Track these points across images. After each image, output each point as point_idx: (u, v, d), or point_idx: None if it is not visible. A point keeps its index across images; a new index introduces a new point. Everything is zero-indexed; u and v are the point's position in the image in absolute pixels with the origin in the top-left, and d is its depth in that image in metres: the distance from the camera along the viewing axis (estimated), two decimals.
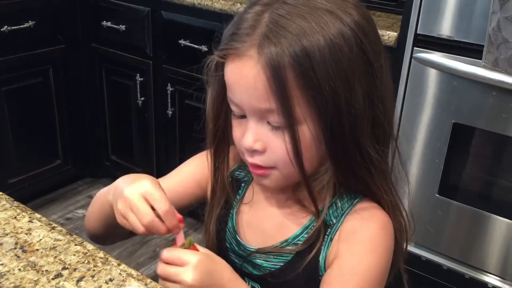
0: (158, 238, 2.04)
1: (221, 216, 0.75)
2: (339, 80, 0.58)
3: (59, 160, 2.19)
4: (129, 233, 0.77)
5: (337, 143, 0.61)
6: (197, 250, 0.61)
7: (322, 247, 0.66)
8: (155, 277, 0.60)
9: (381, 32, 1.42)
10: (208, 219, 0.76)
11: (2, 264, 0.61)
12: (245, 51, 0.59)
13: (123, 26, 1.95)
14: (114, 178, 2.45)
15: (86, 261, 0.63)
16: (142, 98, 2.00)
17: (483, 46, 1.24)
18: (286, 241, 0.69)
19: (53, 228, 0.68)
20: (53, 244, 0.65)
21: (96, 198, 0.75)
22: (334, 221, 0.67)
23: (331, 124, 0.60)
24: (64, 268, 0.61)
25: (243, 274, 0.72)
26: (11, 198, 0.74)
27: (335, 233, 0.66)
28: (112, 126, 2.20)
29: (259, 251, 0.71)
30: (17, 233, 0.67)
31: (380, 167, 0.65)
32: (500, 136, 1.32)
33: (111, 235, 0.78)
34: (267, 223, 0.72)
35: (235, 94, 0.62)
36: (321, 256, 0.66)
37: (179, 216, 0.60)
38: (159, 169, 2.09)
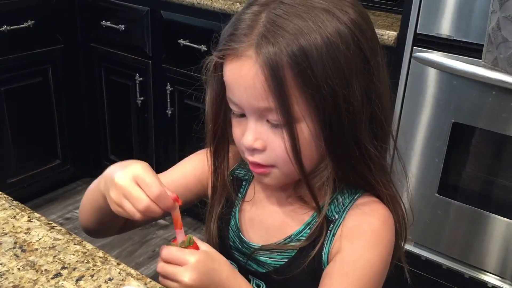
0: (158, 238, 2.04)
1: (223, 214, 0.75)
2: (336, 78, 0.59)
3: (58, 160, 2.19)
4: (124, 227, 0.77)
5: (336, 140, 0.62)
6: (197, 247, 0.61)
7: (325, 243, 0.67)
8: (155, 277, 0.60)
9: (380, 31, 1.42)
10: (209, 217, 0.76)
11: (1, 264, 0.61)
12: (243, 51, 0.60)
13: (123, 25, 1.94)
14: None
15: (85, 261, 0.62)
16: (142, 98, 2.00)
17: (482, 45, 1.24)
18: (289, 237, 0.70)
19: (52, 227, 0.68)
20: (52, 243, 0.65)
21: (88, 189, 0.73)
22: (336, 216, 0.68)
23: (330, 122, 0.60)
24: (63, 268, 0.61)
25: (248, 272, 0.72)
26: (10, 198, 0.74)
27: (337, 229, 0.67)
28: (111, 126, 2.20)
29: (262, 248, 0.71)
30: (16, 232, 0.67)
31: (379, 162, 0.66)
32: (499, 136, 1.32)
33: (105, 227, 0.76)
34: (270, 220, 0.73)
35: (234, 93, 0.63)
36: (324, 252, 0.67)
37: (173, 195, 0.60)
38: (158, 169, 2.07)
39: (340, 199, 0.69)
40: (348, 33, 0.59)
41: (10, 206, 0.72)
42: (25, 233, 0.66)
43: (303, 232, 0.69)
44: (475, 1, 1.24)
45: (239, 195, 0.76)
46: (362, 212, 0.67)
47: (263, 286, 0.73)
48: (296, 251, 0.69)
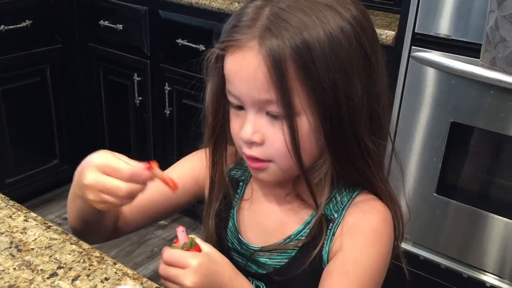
0: (156, 238, 2.04)
1: (221, 212, 0.75)
2: (338, 72, 0.59)
3: (56, 160, 2.18)
4: (115, 231, 0.76)
5: (336, 134, 0.62)
6: (199, 249, 0.60)
7: (325, 242, 0.67)
8: (153, 277, 0.60)
9: (379, 31, 1.42)
10: (207, 214, 0.76)
11: None
12: (246, 42, 0.60)
13: (121, 25, 1.94)
14: None
15: (81, 260, 0.62)
16: (140, 98, 2.00)
17: (481, 45, 1.24)
18: (289, 237, 0.69)
19: (49, 227, 0.68)
20: (49, 243, 0.65)
21: (69, 194, 0.72)
22: (336, 215, 0.68)
23: (330, 116, 0.60)
24: (59, 267, 0.61)
25: (248, 274, 0.71)
26: (6, 197, 0.74)
27: (337, 227, 0.67)
28: (109, 126, 2.20)
29: (262, 249, 0.70)
30: (12, 232, 0.66)
31: (377, 159, 0.66)
32: (498, 135, 1.32)
33: (94, 229, 0.74)
34: (268, 221, 0.72)
35: (235, 85, 0.62)
36: (324, 251, 0.67)
37: (145, 165, 0.59)
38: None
39: (339, 198, 0.69)
40: (351, 29, 0.60)
41: (6, 206, 0.72)
42: (21, 233, 0.66)
43: (303, 231, 0.69)
44: (473, 0, 1.24)
45: (237, 195, 0.76)
46: (361, 210, 0.67)
47: (263, 287, 0.72)
48: (296, 251, 0.68)
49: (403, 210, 0.73)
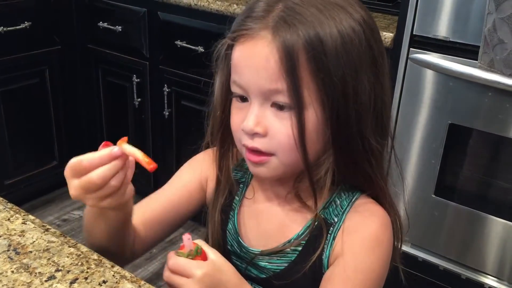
0: None
1: (224, 208, 0.75)
2: (348, 69, 0.60)
3: (55, 161, 2.18)
4: (132, 249, 0.74)
5: (342, 131, 0.62)
6: (205, 257, 0.60)
7: (325, 246, 0.67)
8: (152, 279, 0.60)
9: None
10: (213, 208, 0.75)
11: None
12: (258, 31, 0.61)
13: (120, 27, 1.94)
14: None
15: (79, 263, 0.62)
16: (139, 99, 2.00)
17: (479, 47, 1.24)
18: (289, 241, 0.69)
19: (47, 230, 0.68)
20: (47, 246, 0.65)
21: (86, 219, 0.71)
22: (336, 219, 0.68)
23: (338, 111, 0.61)
24: (57, 270, 0.61)
25: (247, 278, 0.71)
26: (4, 200, 0.74)
27: (337, 232, 0.67)
28: (108, 127, 2.20)
29: (262, 253, 0.70)
30: (10, 235, 0.66)
31: (380, 158, 0.67)
32: (496, 137, 1.32)
33: (121, 244, 0.71)
34: (268, 223, 0.72)
35: (242, 74, 0.62)
36: (324, 255, 0.67)
37: (106, 144, 0.60)
38: (155, 170, 2.08)
39: (338, 202, 0.69)
40: (360, 30, 0.61)
41: (4, 208, 0.72)
42: (19, 236, 0.66)
43: (303, 235, 0.68)
44: (471, 2, 1.25)
45: (237, 197, 0.75)
46: (361, 215, 0.68)
47: None
48: (296, 255, 0.68)
49: (401, 215, 0.73)
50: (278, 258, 0.69)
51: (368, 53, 0.62)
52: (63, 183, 2.27)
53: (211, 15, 1.67)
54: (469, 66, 1.28)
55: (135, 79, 1.97)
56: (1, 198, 0.74)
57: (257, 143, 0.63)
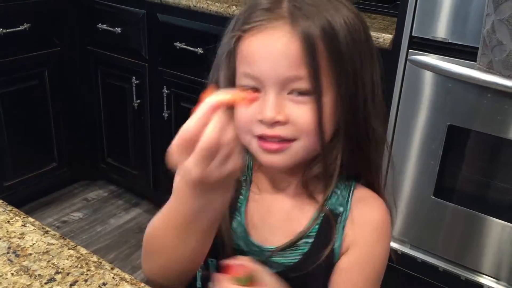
0: None
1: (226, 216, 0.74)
2: (356, 57, 0.64)
3: (55, 163, 2.18)
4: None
5: (352, 117, 0.65)
6: (257, 285, 0.58)
7: (336, 236, 0.69)
8: (150, 281, 0.59)
9: (376, 34, 1.42)
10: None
11: None
12: (273, 21, 0.62)
13: (119, 28, 1.94)
14: (110, 180, 2.45)
15: (79, 265, 0.62)
16: (138, 101, 2.00)
17: (477, 48, 1.24)
18: (301, 234, 0.70)
19: (47, 232, 0.68)
20: (46, 248, 0.65)
21: (176, 227, 0.58)
22: (341, 209, 0.70)
23: (349, 98, 0.64)
24: (57, 273, 0.61)
25: None
26: (4, 202, 0.74)
27: (346, 221, 0.69)
28: (108, 129, 2.20)
29: (278, 248, 0.70)
30: (10, 237, 0.67)
31: (382, 147, 0.70)
32: (495, 138, 1.32)
33: (207, 245, 0.63)
34: (275, 218, 0.72)
35: (257, 65, 0.63)
36: (336, 245, 0.69)
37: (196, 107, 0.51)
38: (155, 172, 2.08)
39: (339, 192, 0.71)
40: (360, 24, 0.66)
41: (4, 211, 0.72)
42: (19, 238, 0.66)
43: (312, 227, 0.70)
44: (470, 4, 1.25)
45: (241, 196, 0.74)
46: (367, 205, 0.71)
47: None
48: (308, 246, 0.69)
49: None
50: (291, 251, 0.70)
51: (366, 44, 0.66)
52: (62, 185, 2.27)
53: (210, 17, 1.67)
54: (468, 67, 1.28)
55: (134, 81, 1.97)
56: (1, 201, 0.74)
57: (278, 131, 0.63)
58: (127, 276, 0.61)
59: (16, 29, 1.87)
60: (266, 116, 0.63)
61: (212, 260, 0.71)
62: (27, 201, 2.16)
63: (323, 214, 0.69)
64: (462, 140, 1.40)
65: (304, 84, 0.62)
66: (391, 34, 1.41)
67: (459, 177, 1.45)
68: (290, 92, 0.63)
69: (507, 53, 1.19)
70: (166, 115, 1.93)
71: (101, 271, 0.62)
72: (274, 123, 0.63)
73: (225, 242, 0.72)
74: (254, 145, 0.66)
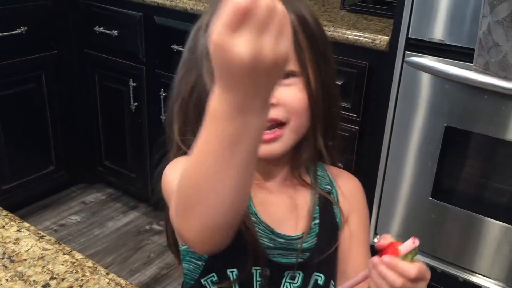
0: (153, 244, 2.03)
1: None
2: (324, 40, 0.71)
3: (52, 166, 2.18)
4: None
5: (327, 97, 0.71)
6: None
7: (335, 211, 0.76)
8: (149, 284, 0.59)
9: (372, 36, 1.42)
10: None
11: None
12: None
13: (116, 31, 1.94)
14: (107, 183, 2.44)
15: (74, 271, 0.62)
16: (135, 103, 2.00)
17: (474, 49, 1.24)
18: (314, 218, 0.73)
19: (42, 237, 0.67)
20: (41, 253, 0.64)
21: (207, 142, 0.46)
22: (329, 187, 0.77)
23: (325, 77, 0.70)
24: (52, 278, 0.61)
25: (285, 269, 0.71)
26: None
27: (337, 196, 0.77)
28: (105, 132, 2.20)
29: (304, 234, 0.72)
30: (5, 242, 0.66)
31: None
32: (492, 139, 1.32)
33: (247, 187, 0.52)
34: (280, 208, 0.73)
35: None
36: (338, 218, 0.76)
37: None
38: (152, 174, 2.08)
39: (319, 173, 0.77)
40: (317, 18, 0.72)
41: None
42: (14, 243, 0.66)
43: (315, 210, 0.74)
44: (466, 6, 1.25)
45: None
46: (345, 178, 0.80)
47: (300, 276, 0.72)
48: (318, 227, 0.73)
49: None
50: (309, 235, 0.72)
51: (325, 33, 0.73)
52: (60, 188, 2.26)
53: None
54: (464, 69, 1.28)
55: (131, 83, 1.97)
56: None
57: (272, 113, 0.66)
58: (122, 281, 0.61)
59: (13, 32, 1.87)
60: None
61: (232, 270, 0.69)
62: (24, 204, 2.16)
63: (317, 196, 0.75)
64: (459, 142, 1.40)
65: (290, 66, 0.65)
66: (387, 36, 1.41)
67: (456, 178, 1.45)
68: None
69: (503, 54, 1.19)
70: (164, 117, 1.93)
71: (96, 277, 0.61)
72: None
73: (251, 242, 0.67)
74: None
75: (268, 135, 0.67)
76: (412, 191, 1.47)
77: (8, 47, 1.88)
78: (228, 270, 0.69)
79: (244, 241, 0.66)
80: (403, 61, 1.38)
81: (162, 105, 1.91)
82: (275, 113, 0.66)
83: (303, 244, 0.71)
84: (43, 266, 0.62)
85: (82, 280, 0.61)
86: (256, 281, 0.70)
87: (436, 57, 1.33)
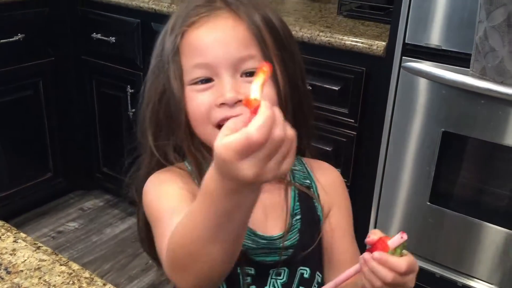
0: None
1: None
2: (290, 41, 0.72)
3: (50, 173, 2.17)
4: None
5: (296, 92, 0.71)
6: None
7: (316, 205, 0.76)
8: None
9: (369, 41, 1.43)
10: None
11: None
12: (217, 10, 0.67)
13: (113, 38, 1.94)
14: (105, 190, 2.43)
15: (71, 282, 0.62)
16: (133, 110, 2.00)
17: (470, 55, 1.25)
18: (291, 215, 0.73)
19: (38, 247, 0.67)
20: (38, 264, 0.64)
21: (210, 215, 0.49)
22: (308, 181, 0.77)
23: (292, 74, 0.71)
24: None
25: (270, 267, 0.71)
26: None
27: (317, 190, 0.77)
28: (103, 138, 2.19)
29: (284, 233, 0.72)
30: (1, 253, 0.66)
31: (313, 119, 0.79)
32: (489, 144, 1.33)
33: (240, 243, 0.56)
34: (260, 209, 0.72)
35: (207, 53, 0.66)
36: (319, 211, 0.76)
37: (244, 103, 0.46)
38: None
39: (297, 168, 0.77)
40: (282, 19, 0.73)
41: None
42: (11, 254, 0.66)
43: (295, 206, 0.74)
44: (462, 11, 1.25)
45: None
46: (324, 171, 0.80)
47: (285, 272, 0.72)
48: (299, 222, 0.73)
49: None
50: (291, 232, 0.73)
51: (293, 37, 0.74)
52: (58, 195, 2.25)
53: None
54: (461, 74, 1.28)
55: (129, 90, 1.97)
56: None
57: (240, 110, 0.64)
58: None
59: (11, 39, 1.87)
60: (227, 97, 0.65)
61: None
62: (22, 211, 2.15)
63: (297, 191, 0.75)
64: (457, 146, 1.40)
65: (256, 63, 0.66)
66: (384, 41, 1.41)
67: (454, 183, 1.46)
68: (242, 75, 0.66)
69: (499, 59, 1.20)
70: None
71: (93, 287, 0.61)
72: (235, 103, 0.65)
73: None
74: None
75: None
76: (410, 196, 1.47)
77: (6, 54, 1.88)
78: None
79: None
80: (400, 66, 1.38)
81: None
82: (243, 110, 0.64)
83: (286, 242, 0.72)
84: (40, 277, 0.62)
85: None
86: (243, 280, 0.70)
87: (433, 62, 1.33)
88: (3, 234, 0.69)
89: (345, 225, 0.78)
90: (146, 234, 0.78)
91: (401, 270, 0.57)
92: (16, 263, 0.64)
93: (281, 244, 0.71)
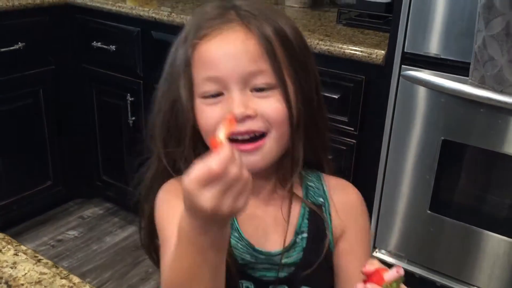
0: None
1: None
2: (305, 53, 0.71)
3: (50, 181, 2.17)
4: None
5: (309, 106, 0.70)
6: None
7: (326, 225, 0.74)
8: None
9: (368, 50, 1.43)
10: None
11: None
12: (228, 23, 0.67)
13: (113, 46, 1.95)
14: (105, 198, 2.42)
15: None
16: (133, 118, 2.00)
17: (469, 63, 1.25)
18: (296, 232, 0.72)
19: (39, 260, 0.67)
20: (38, 278, 0.64)
21: (183, 258, 0.56)
22: (322, 199, 0.75)
23: (305, 89, 0.69)
24: None
25: (269, 283, 0.71)
26: None
27: (330, 209, 0.75)
28: (103, 146, 2.19)
29: (284, 250, 0.71)
30: (2, 267, 0.66)
31: (329, 134, 0.78)
32: (489, 152, 1.33)
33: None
34: (266, 222, 0.72)
35: (217, 66, 0.65)
36: (329, 231, 0.74)
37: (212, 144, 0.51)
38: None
39: (313, 184, 0.76)
40: (299, 31, 0.72)
41: None
42: (11, 268, 0.66)
43: (303, 223, 0.73)
44: (461, 20, 1.26)
45: None
46: (343, 191, 0.78)
47: None
48: (305, 241, 0.72)
49: None
50: (293, 249, 0.72)
51: (308, 48, 0.73)
52: (57, 203, 2.25)
53: None
54: (460, 82, 1.29)
55: (129, 98, 1.98)
56: None
57: (249, 125, 0.65)
58: None
59: (11, 48, 1.87)
60: (237, 113, 0.64)
61: None
62: (22, 219, 2.15)
63: (307, 208, 0.74)
64: (456, 155, 1.40)
65: (266, 78, 0.65)
66: (383, 50, 1.42)
67: (454, 191, 1.46)
68: (252, 90, 0.66)
69: (498, 68, 1.20)
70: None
71: None
72: (244, 118, 0.65)
73: (229, 263, 0.69)
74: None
75: (249, 145, 0.66)
76: (410, 204, 1.47)
77: (6, 63, 1.89)
78: None
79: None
80: (399, 75, 1.38)
81: None
82: (254, 125, 0.65)
83: (287, 259, 0.71)
84: None
85: None
86: None
87: (432, 71, 1.34)
88: (3, 247, 0.69)
89: (358, 249, 0.75)
90: (151, 240, 0.80)
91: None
92: (17, 276, 0.64)
93: (277, 261, 0.71)
